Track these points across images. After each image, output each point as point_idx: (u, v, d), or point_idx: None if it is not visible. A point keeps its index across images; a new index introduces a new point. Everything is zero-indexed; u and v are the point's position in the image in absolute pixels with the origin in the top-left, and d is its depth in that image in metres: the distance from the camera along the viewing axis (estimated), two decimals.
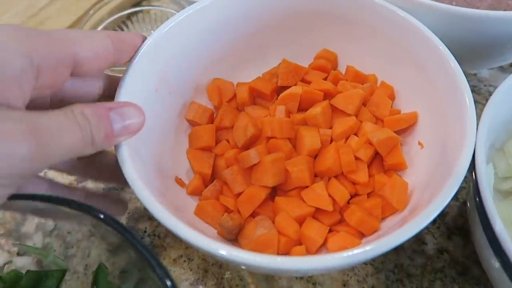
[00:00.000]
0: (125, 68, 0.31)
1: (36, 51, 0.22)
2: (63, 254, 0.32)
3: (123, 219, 0.37)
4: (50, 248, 0.30)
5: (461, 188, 0.32)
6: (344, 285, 0.34)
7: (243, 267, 0.29)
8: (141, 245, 0.27)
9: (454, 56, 0.33)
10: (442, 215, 0.38)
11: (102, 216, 0.28)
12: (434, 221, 0.38)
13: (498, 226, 0.25)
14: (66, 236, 0.32)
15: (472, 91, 0.44)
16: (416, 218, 0.24)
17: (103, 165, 0.31)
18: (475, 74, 0.49)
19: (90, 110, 0.23)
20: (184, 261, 0.35)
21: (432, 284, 0.34)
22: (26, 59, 0.21)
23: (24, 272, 0.29)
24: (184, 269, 0.34)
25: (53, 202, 0.28)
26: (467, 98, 0.29)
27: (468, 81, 0.29)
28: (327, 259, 0.22)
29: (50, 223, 0.32)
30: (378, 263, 0.35)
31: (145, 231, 0.37)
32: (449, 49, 0.33)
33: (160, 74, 0.35)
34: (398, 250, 0.36)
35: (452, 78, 0.31)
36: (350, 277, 0.35)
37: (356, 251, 0.22)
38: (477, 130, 0.29)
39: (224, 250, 0.22)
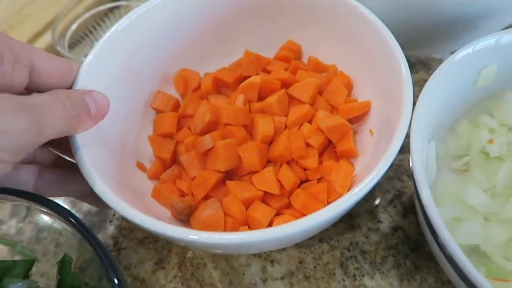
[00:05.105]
0: None
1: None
2: (35, 237, 0.35)
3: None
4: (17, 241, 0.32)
5: None
6: (300, 262, 0.36)
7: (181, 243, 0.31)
8: (95, 242, 0.28)
9: (411, 41, 0.33)
10: (399, 194, 0.40)
11: (59, 213, 0.30)
12: (390, 201, 0.40)
13: (425, 193, 0.26)
14: (38, 221, 0.35)
15: None
16: (342, 199, 0.25)
17: None
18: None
19: (71, 92, 0.27)
20: (150, 242, 0.37)
21: (385, 260, 0.36)
22: None
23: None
24: (149, 249, 0.37)
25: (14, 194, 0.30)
26: (404, 76, 0.31)
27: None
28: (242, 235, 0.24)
29: (23, 210, 0.35)
30: (334, 241, 0.37)
31: (114, 215, 0.39)
32: (405, 34, 0.34)
33: (124, 63, 0.37)
34: (354, 228, 0.38)
35: (392, 59, 0.32)
36: (307, 254, 0.37)
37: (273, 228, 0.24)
38: (416, 107, 0.30)
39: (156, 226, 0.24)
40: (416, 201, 0.30)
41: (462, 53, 0.32)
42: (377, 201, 0.40)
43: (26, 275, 0.30)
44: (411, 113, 0.30)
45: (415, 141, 0.29)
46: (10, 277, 0.28)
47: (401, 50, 0.33)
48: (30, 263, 0.30)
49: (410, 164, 0.30)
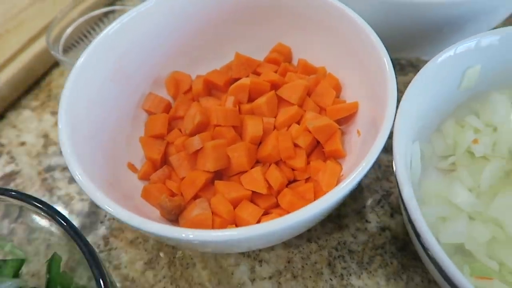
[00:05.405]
0: None
1: None
2: (27, 237, 0.35)
3: (85, 203, 0.40)
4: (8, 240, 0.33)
5: None
6: (289, 262, 0.37)
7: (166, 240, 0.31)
8: (83, 243, 0.29)
9: (401, 43, 0.34)
10: (387, 194, 0.40)
11: (48, 213, 0.30)
12: (378, 201, 0.40)
13: (406, 192, 0.27)
14: (30, 222, 0.35)
15: None
16: (324, 198, 0.26)
17: None
18: None
19: None
20: (140, 242, 0.38)
21: (372, 259, 0.37)
22: None
23: None
24: (139, 249, 0.37)
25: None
26: (389, 77, 0.31)
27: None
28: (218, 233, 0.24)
29: (16, 210, 0.35)
30: (323, 241, 0.38)
31: (105, 216, 0.40)
32: (395, 37, 0.35)
33: (115, 65, 0.37)
34: (342, 228, 0.38)
35: (378, 61, 0.33)
36: (295, 254, 0.37)
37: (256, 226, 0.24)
38: (399, 108, 0.31)
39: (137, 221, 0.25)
40: (400, 201, 0.30)
41: (444, 56, 0.32)
42: (365, 202, 0.40)
43: (16, 275, 0.30)
44: (394, 113, 0.30)
45: (398, 141, 0.30)
46: None
47: (386, 52, 0.33)
48: (20, 262, 0.30)
49: (393, 164, 0.30)
